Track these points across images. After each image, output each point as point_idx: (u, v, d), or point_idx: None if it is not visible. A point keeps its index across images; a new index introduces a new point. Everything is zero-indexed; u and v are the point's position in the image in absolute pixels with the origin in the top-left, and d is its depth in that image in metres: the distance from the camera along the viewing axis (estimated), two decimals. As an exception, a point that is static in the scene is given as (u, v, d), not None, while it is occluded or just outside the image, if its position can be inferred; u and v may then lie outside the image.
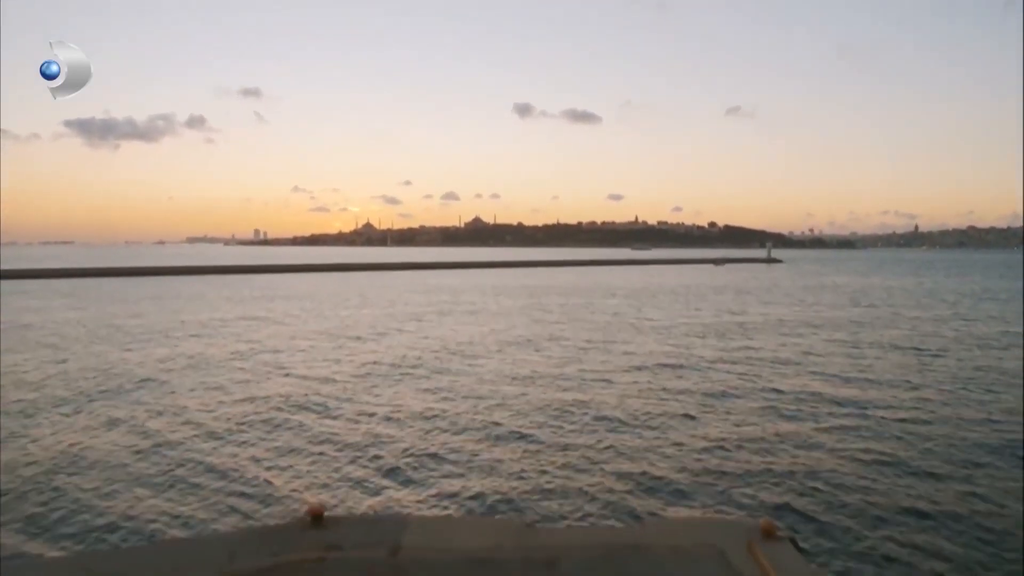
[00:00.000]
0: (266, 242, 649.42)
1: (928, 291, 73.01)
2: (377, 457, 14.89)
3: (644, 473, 13.81)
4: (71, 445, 15.56)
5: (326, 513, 6.20)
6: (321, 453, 15.21)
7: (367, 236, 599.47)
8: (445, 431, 16.98)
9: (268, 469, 14.17)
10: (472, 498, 12.63)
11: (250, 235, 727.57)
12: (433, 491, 12.99)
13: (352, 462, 14.63)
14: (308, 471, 14.11)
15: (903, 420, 18.10)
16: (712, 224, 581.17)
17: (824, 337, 34.82)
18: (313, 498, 12.07)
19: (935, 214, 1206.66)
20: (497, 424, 17.54)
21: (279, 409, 19.14)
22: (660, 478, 13.56)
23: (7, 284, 74.69)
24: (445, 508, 12.18)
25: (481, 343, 32.48)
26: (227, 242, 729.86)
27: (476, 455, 15.05)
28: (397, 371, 24.96)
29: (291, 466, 14.38)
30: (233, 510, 12.08)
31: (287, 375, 24.23)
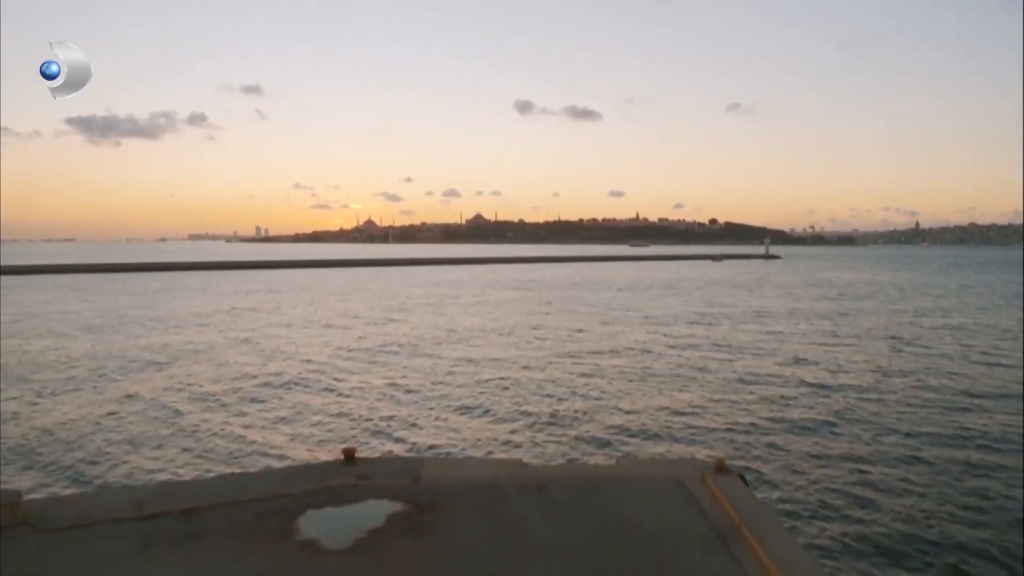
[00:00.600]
0: (268, 239, 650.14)
1: (916, 285, 75.28)
2: (391, 416, 17.23)
3: (619, 426, 16.15)
4: (111, 413, 17.91)
5: (357, 454, 7.96)
6: (342, 413, 17.56)
7: (368, 233, 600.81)
8: (457, 395, 19.33)
9: (300, 425, 16.52)
10: (474, 445, 14.96)
11: (251, 232, 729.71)
12: (442, 439, 15.33)
13: (368, 419, 16.97)
14: (334, 425, 16.47)
15: (853, 389, 20.45)
16: (713, 221, 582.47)
17: (795, 323, 37.26)
18: (345, 444, 14.40)
19: (937, 210, 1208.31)
20: (496, 390, 19.88)
21: (304, 377, 21.49)
22: (632, 430, 15.90)
23: (17, 279, 76.89)
24: (451, 451, 14.52)
25: (480, 328, 34.83)
26: (229, 239, 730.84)
27: (480, 416, 17.39)
28: (405, 348, 27.35)
29: (321, 422, 16.74)
30: (277, 455, 14.42)
31: (320, 348, 26.60)
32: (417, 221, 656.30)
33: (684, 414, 17.34)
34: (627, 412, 17.48)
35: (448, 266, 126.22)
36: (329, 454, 13.87)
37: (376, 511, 6.66)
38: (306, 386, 20.82)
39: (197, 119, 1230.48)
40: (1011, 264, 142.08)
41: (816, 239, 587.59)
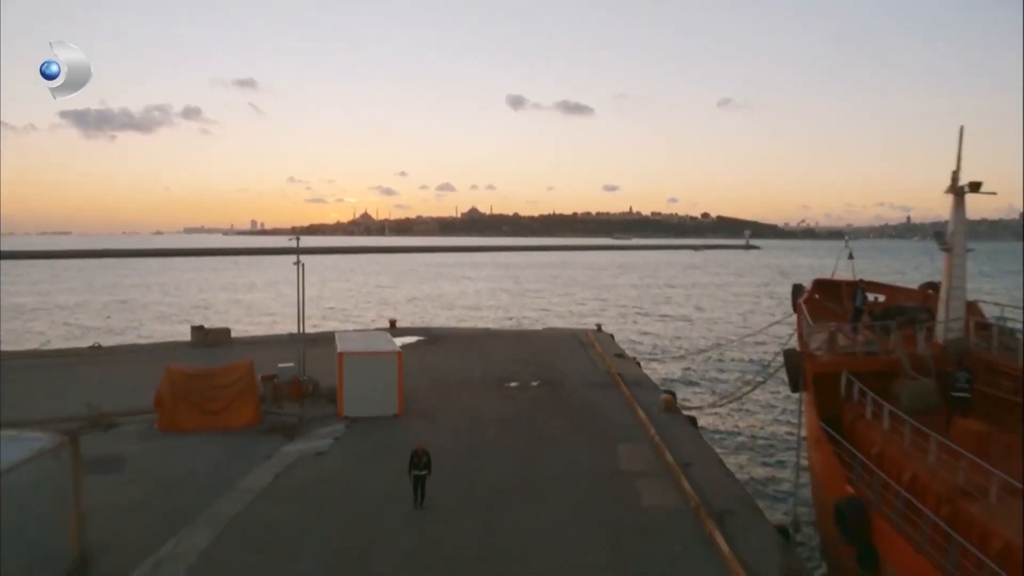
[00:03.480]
0: (264, 232, 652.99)
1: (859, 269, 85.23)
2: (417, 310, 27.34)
3: (544, 316, 26.31)
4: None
5: (397, 323, 19.77)
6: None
7: (365, 226, 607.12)
8: (459, 304, 29.31)
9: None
10: (463, 320, 25.13)
11: (247, 226, 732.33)
12: (447, 318, 25.53)
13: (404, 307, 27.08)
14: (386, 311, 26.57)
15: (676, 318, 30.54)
16: (705, 215, 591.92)
17: (692, 285, 47.44)
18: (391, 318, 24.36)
19: (931, 206, 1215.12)
20: (483, 300, 30.01)
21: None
22: (550, 319, 26.04)
23: (22, 264, 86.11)
24: (453, 323, 24.76)
25: (481, 286, 44.99)
26: (226, 232, 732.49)
27: (471, 310, 27.53)
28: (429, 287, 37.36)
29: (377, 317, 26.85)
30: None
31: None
32: (412, 215, 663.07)
33: (584, 316, 27.40)
34: (555, 314, 27.53)
35: (450, 253, 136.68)
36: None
37: (413, 338, 18.25)
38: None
39: (192, 113, 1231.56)
40: (989, 256, 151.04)
41: (807, 233, 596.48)
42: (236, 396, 21.83)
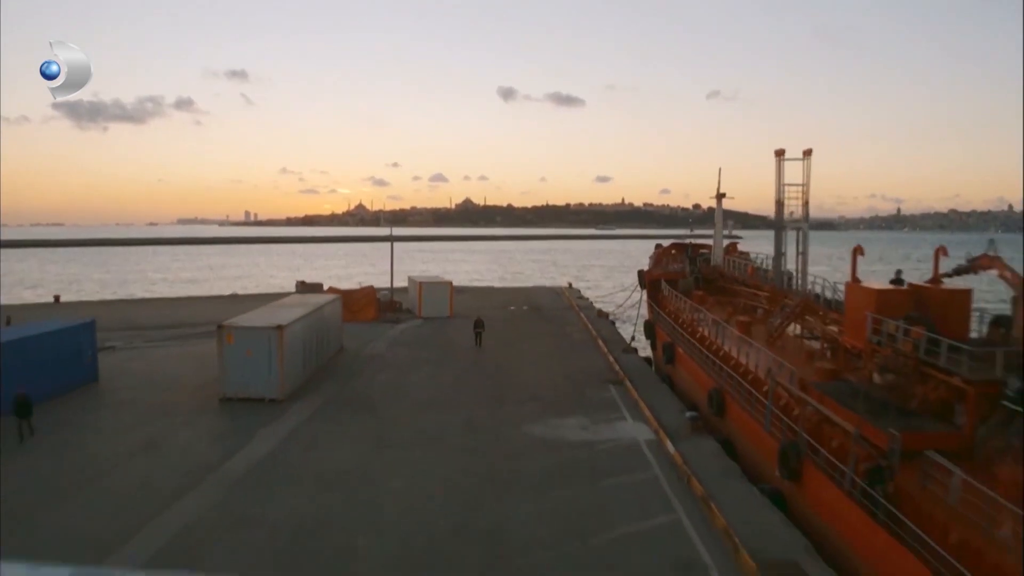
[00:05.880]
0: (259, 223, 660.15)
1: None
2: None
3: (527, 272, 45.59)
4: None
5: None
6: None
7: (360, 217, 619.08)
8: (463, 271, 48.27)
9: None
10: (473, 281, 44.38)
11: (241, 217, 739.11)
12: (465, 273, 44.79)
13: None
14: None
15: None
16: (696, 206, 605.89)
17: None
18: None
19: (922, 198, 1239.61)
20: (484, 268, 49.14)
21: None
22: (527, 280, 45.30)
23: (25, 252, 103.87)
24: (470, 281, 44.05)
25: (472, 270, 64.19)
26: (222, 223, 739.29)
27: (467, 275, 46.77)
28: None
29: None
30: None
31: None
32: (406, 206, 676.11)
33: (560, 280, 46.59)
34: (541, 278, 46.70)
35: (445, 243, 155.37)
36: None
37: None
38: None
39: (184, 104, 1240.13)
40: (965, 245, 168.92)
41: (796, 224, 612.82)
42: (366, 304, 40.98)
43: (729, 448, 19.41)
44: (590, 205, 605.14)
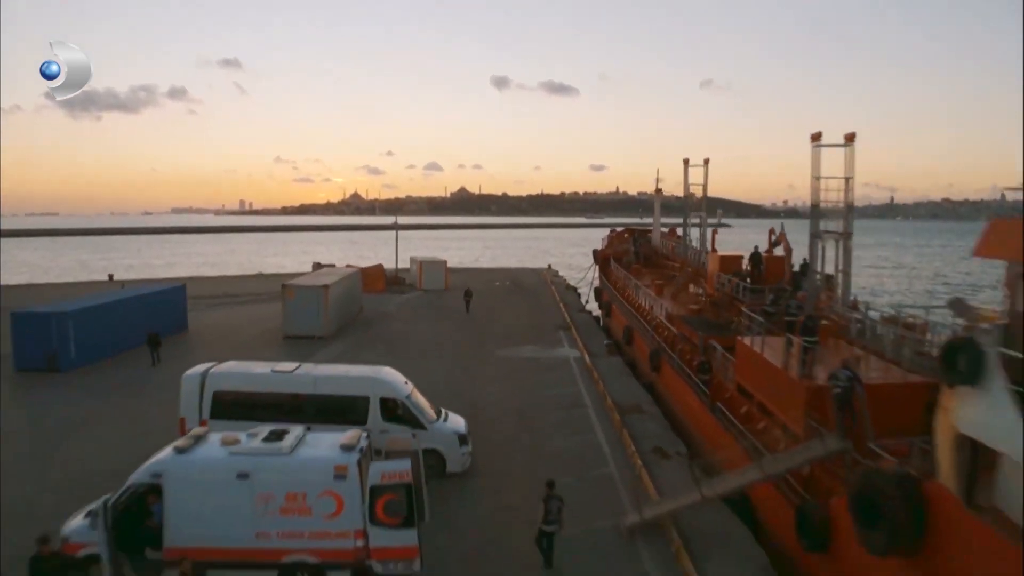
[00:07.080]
0: (254, 212, 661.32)
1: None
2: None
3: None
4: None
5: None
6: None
7: (355, 206, 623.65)
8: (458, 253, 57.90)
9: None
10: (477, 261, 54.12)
11: (236, 206, 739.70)
12: (464, 256, 54.50)
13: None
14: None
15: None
16: (690, 195, 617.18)
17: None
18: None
19: (916, 187, 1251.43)
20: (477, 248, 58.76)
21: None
22: (516, 261, 55.02)
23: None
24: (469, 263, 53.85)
25: (467, 255, 73.86)
26: (217, 212, 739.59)
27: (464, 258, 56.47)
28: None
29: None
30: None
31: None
32: (401, 194, 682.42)
33: (542, 263, 56.29)
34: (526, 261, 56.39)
35: (441, 231, 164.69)
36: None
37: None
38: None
39: (177, 93, 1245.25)
40: (948, 234, 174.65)
41: (791, 213, 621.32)
42: (377, 278, 50.59)
43: (633, 368, 29.17)
44: (585, 194, 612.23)
